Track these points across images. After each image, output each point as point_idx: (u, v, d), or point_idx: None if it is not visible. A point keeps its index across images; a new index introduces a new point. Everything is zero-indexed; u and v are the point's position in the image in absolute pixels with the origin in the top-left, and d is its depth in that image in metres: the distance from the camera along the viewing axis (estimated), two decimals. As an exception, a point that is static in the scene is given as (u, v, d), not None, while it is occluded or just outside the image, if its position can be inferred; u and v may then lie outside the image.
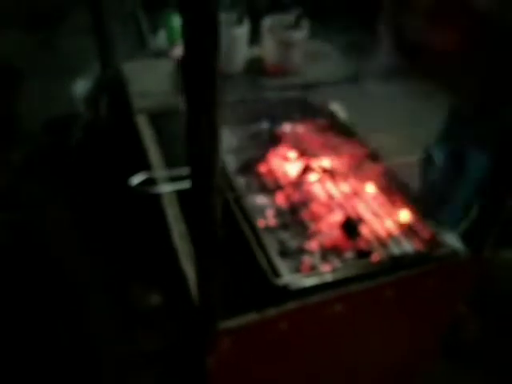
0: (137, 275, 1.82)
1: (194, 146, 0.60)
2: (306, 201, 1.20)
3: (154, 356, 1.65)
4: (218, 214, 0.68)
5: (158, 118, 1.40)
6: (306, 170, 1.27)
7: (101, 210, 1.95)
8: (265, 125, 1.46)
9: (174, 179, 1.16)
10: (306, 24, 1.64)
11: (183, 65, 0.53)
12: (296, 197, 1.21)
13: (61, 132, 2.22)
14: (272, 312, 0.89)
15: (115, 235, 1.85)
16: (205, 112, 0.56)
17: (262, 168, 1.29)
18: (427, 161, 1.18)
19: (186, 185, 1.14)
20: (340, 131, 1.37)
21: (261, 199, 1.21)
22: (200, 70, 0.52)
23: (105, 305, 1.78)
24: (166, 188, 1.11)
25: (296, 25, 1.63)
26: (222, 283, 0.78)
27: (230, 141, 1.39)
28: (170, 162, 1.25)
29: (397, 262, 1.02)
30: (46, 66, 2.36)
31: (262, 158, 1.31)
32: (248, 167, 1.29)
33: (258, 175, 1.27)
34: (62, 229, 2.02)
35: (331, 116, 1.44)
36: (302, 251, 1.06)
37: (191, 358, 1.05)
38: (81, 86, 2.18)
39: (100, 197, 1.91)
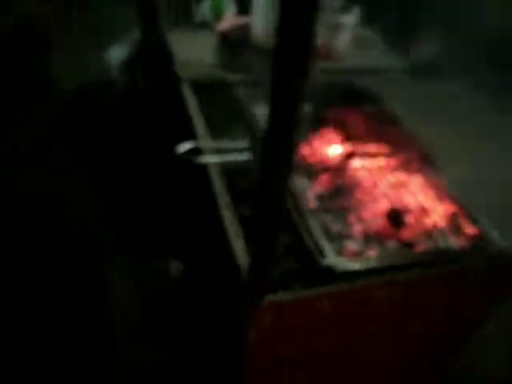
0: (158, 246, 1.81)
1: (276, 133, 0.59)
2: (350, 186, 1.18)
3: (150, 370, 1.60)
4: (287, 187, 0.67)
5: (202, 89, 1.38)
6: (350, 155, 1.26)
7: (126, 177, 1.93)
8: (308, 108, 1.43)
9: (219, 151, 1.15)
10: (356, 10, 1.61)
11: (275, 53, 0.52)
12: (339, 182, 1.19)
13: (92, 98, 2.19)
14: (316, 291, 0.88)
15: (141, 205, 1.84)
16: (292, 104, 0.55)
17: (305, 151, 1.27)
18: None
19: (233, 157, 1.13)
20: (386, 120, 1.35)
21: (303, 182, 1.19)
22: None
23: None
24: (213, 158, 1.09)
25: (345, 9, 1.60)
26: (276, 258, 0.77)
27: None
28: (213, 132, 1.24)
29: (441, 256, 1.00)
30: (80, 29, 2.32)
31: (305, 140, 1.29)
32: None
33: (301, 158, 1.25)
34: (85, 195, 2.01)
35: (378, 104, 1.42)
36: (344, 236, 1.05)
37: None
38: (116, 52, 2.15)
39: (129, 165, 1.89)
